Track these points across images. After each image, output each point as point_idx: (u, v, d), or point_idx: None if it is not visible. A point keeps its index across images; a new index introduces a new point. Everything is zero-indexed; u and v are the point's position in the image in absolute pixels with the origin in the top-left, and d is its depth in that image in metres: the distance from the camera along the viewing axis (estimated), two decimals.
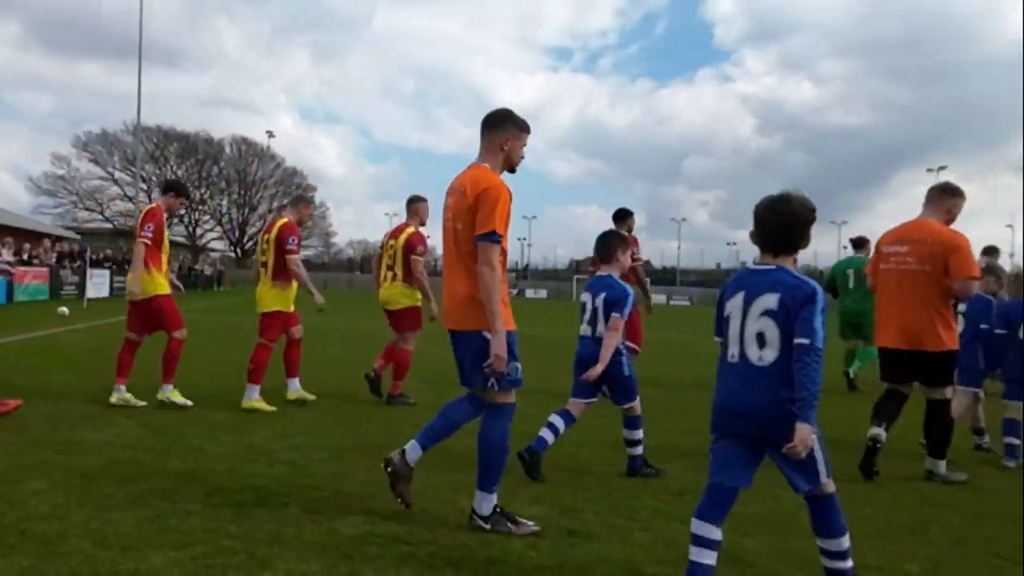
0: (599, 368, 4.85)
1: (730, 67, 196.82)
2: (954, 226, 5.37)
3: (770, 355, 2.95)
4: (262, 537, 3.28)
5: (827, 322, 2.93)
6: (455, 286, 3.87)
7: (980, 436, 6.48)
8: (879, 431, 5.27)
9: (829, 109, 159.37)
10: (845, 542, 3.01)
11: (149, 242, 6.51)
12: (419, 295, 7.51)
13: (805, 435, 2.77)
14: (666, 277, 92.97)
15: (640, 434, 5.07)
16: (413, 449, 3.96)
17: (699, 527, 2.96)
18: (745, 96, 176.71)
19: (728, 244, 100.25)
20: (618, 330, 4.89)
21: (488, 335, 3.69)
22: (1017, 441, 5.91)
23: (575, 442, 5.79)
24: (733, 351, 3.07)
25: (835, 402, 9.05)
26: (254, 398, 6.64)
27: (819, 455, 2.94)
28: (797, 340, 2.87)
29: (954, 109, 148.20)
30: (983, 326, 6.17)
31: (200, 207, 70.44)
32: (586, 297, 5.10)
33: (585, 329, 5.05)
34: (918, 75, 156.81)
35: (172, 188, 7.10)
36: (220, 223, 76.98)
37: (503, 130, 4.01)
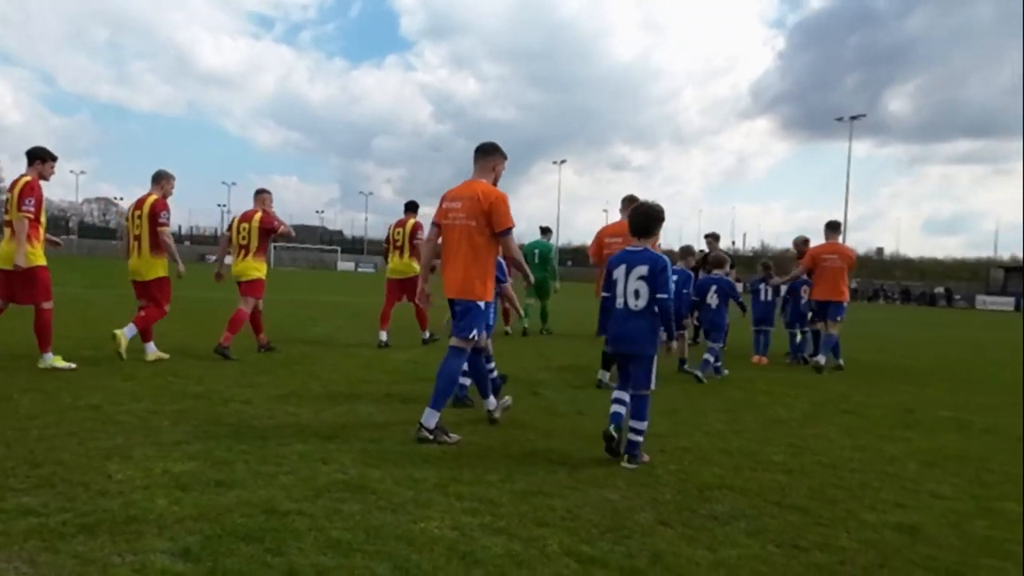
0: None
1: (412, 57, 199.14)
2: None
3: (641, 304, 4.35)
4: None
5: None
6: (463, 268, 4.71)
7: (682, 364, 8.45)
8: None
9: (487, 104, 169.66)
10: (645, 425, 4.34)
11: (32, 216, 6.36)
12: (265, 267, 8.29)
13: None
14: (356, 246, 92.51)
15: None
16: (429, 416, 4.60)
17: (618, 395, 4.45)
18: (423, 85, 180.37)
19: None
20: (505, 293, 6.10)
21: (482, 304, 4.75)
22: (711, 358, 8.14)
23: (241, 399, 5.63)
24: (620, 301, 4.43)
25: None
26: (153, 351, 7.24)
27: (653, 371, 4.38)
28: (659, 295, 4.32)
29: (573, 114, 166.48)
30: (684, 291, 7.97)
31: None
32: None
33: None
34: (550, 83, 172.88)
35: (39, 156, 6.58)
36: None
37: (493, 158, 4.95)
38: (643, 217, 4.55)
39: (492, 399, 5.20)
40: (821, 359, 9.32)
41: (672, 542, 3.09)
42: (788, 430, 5.59)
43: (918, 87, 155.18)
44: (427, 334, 9.96)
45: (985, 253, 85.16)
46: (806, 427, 5.76)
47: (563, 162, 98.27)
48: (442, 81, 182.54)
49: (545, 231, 13.45)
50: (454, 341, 4.78)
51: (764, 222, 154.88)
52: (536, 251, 12.82)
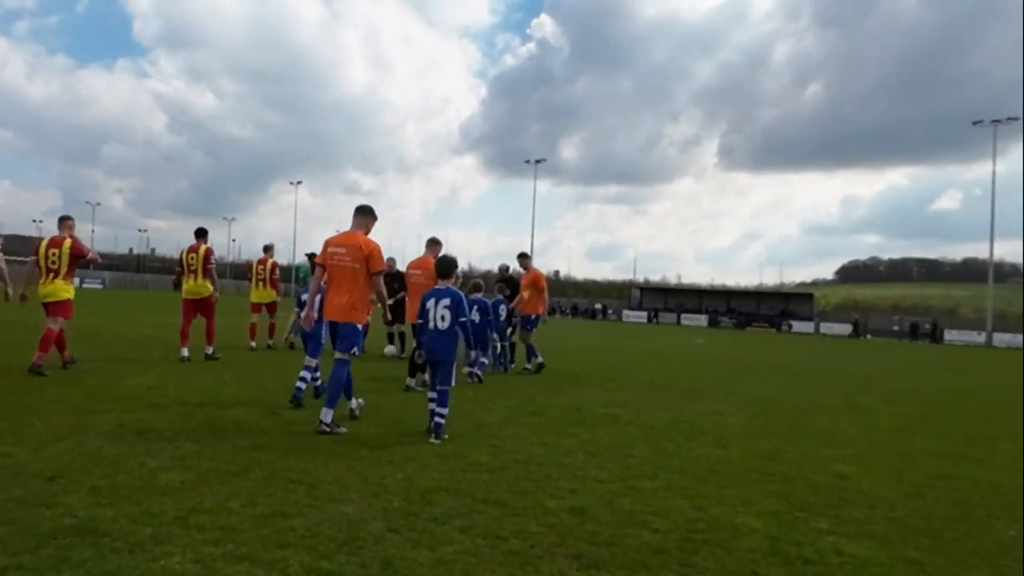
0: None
1: (147, 64, 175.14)
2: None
3: (445, 325, 5.60)
4: None
5: None
6: (344, 298, 5.63)
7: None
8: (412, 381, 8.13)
9: (226, 119, 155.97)
10: (447, 411, 5.59)
11: None
12: (73, 289, 8.18)
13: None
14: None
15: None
16: (326, 414, 5.43)
17: (432, 395, 5.62)
18: (158, 94, 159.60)
19: (140, 231, 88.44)
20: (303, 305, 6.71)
21: (360, 326, 5.71)
22: (484, 361, 9.49)
23: None
24: (432, 324, 5.63)
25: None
26: None
27: (453, 372, 5.72)
28: (462, 319, 5.62)
29: (309, 138, 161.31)
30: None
31: None
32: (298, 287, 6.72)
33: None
34: (287, 106, 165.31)
35: None
36: None
37: (367, 218, 5.88)
38: (445, 266, 5.97)
39: (354, 400, 6.13)
40: (541, 360, 11.09)
41: (400, 547, 3.20)
42: (491, 432, 6.04)
43: (583, 139, 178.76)
44: (210, 349, 10.03)
45: (628, 276, 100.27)
46: (504, 428, 6.27)
47: (299, 183, 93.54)
48: (178, 92, 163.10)
49: (310, 256, 13.23)
50: (339, 355, 5.65)
51: (471, 246, 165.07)
52: (303, 274, 13.17)
